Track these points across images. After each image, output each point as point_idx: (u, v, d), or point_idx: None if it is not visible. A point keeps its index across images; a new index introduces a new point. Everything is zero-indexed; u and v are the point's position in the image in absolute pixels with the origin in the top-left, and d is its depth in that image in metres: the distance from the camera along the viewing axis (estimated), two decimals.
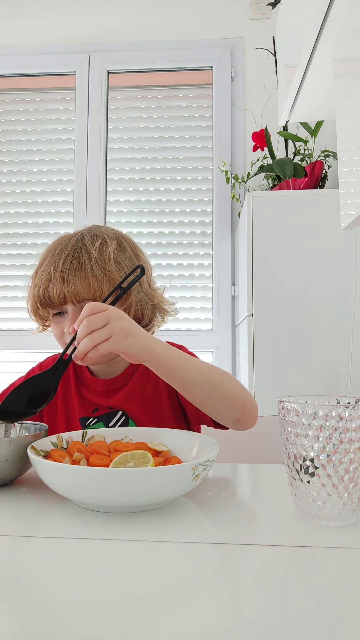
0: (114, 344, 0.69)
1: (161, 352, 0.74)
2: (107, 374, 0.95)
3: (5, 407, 0.70)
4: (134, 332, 0.71)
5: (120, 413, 0.92)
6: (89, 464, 0.67)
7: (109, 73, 2.49)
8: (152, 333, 0.98)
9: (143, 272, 0.72)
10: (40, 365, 1.00)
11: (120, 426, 0.91)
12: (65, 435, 0.74)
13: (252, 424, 0.82)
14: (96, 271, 0.85)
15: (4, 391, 0.96)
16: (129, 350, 0.71)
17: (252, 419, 0.81)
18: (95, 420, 0.92)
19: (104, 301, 0.72)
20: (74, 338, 0.70)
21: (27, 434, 0.77)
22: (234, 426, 0.82)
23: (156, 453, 0.72)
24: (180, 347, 0.99)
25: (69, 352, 0.71)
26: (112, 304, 0.73)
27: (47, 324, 0.94)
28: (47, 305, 0.88)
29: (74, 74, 2.49)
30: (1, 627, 0.36)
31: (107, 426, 0.91)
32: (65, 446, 0.73)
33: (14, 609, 0.39)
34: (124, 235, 0.96)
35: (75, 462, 0.68)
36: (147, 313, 0.93)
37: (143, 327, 0.94)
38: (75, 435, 0.75)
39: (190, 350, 1.02)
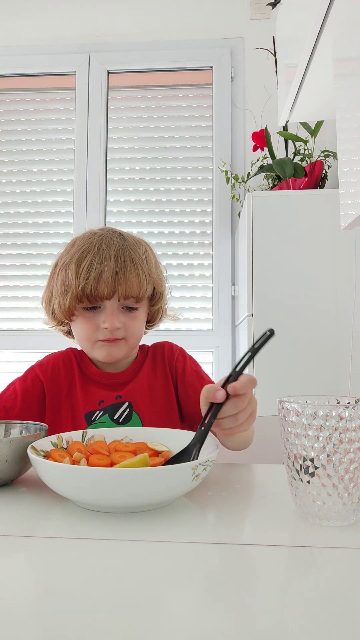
0: (249, 424, 0.68)
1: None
2: (114, 368, 0.98)
3: None
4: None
5: (126, 404, 0.94)
6: (89, 464, 0.67)
7: (109, 73, 2.49)
8: (147, 333, 1.05)
9: (273, 334, 0.66)
10: (40, 364, 0.99)
11: (124, 418, 0.92)
12: (65, 435, 0.74)
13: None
14: (145, 271, 0.92)
15: (3, 391, 0.96)
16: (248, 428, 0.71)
17: (249, 445, 0.88)
18: (102, 413, 0.93)
19: (240, 365, 0.66)
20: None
21: (27, 434, 0.77)
22: (240, 450, 0.88)
23: (156, 453, 0.72)
24: (170, 344, 1.03)
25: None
26: (244, 365, 0.68)
27: (66, 321, 0.95)
28: (89, 300, 0.89)
29: (74, 74, 2.49)
30: (1, 627, 0.36)
31: (112, 418, 0.92)
32: (65, 446, 0.73)
33: (14, 609, 0.39)
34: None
35: (75, 462, 0.68)
36: (159, 317, 1.02)
37: (150, 327, 1.04)
38: (75, 435, 0.75)
39: (190, 350, 1.05)
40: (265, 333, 0.65)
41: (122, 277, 0.88)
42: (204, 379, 0.98)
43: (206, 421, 0.65)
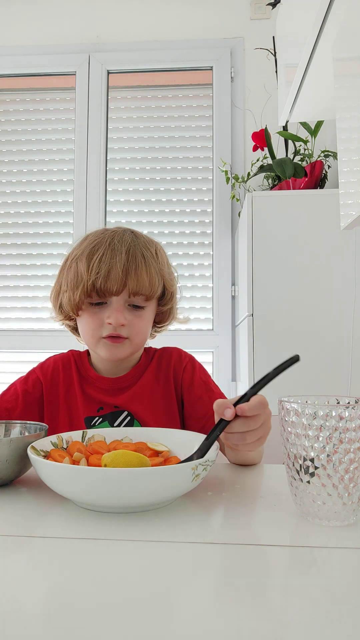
0: (256, 446, 0.67)
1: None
2: (113, 373, 0.96)
3: None
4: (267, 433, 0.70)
5: (125, 413, 0.92)
6: (89, 464, 0.67)
7: (109, 73, 2.49)
8: (154, 337, 1.04)
9: (298, 360, 0.65)
10: (41, 366, 0.99)
11: (125, 426, 0.91)
12: (65, 435, 0.74)
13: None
14: (158, 270, 0.91)
15: (5, 392, 0.96)
16: (257, 448, 0.70)
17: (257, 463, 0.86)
18: (101, 419, 0.92)
19: (257, 385, 0.65)
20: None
21: (27, 434, 0.77)
22: (249, 464, 0.84)
23: (156, 453, 0.72)
24: (178, 351, 1.00)
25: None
26: (261, 385, 0.67)
27: (73, 316, 0.94)
28: (98, 294, 0.88)
29: (74, 74, 2.49)
30: (1, 627, 0.36)
31: (112, 426, 0.91)
32: (65, 446, 0.73)
33: (14, 609, 0.39)
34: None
35: (75, 462, 0.68)
36: (168, 318, 1.01)
37: (159, 329, 1.02)
38: (75, 435, 0.75)
39: (189, 350, 1.03)
40: (292, 357, 0.64)
41: (132, 273, 0.87)
42: (213, 392, 0.94)
43: (212, 434, 0.64)
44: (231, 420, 0.63)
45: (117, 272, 0.86)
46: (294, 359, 0.64)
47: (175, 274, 1.00)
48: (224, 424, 0.63)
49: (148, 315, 0.93)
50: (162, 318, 0.99)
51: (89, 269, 0.87)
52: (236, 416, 0.63)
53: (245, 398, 0.64)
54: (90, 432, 0.76)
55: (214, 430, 0.64)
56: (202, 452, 0.63)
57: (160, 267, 0.92)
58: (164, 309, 0.97)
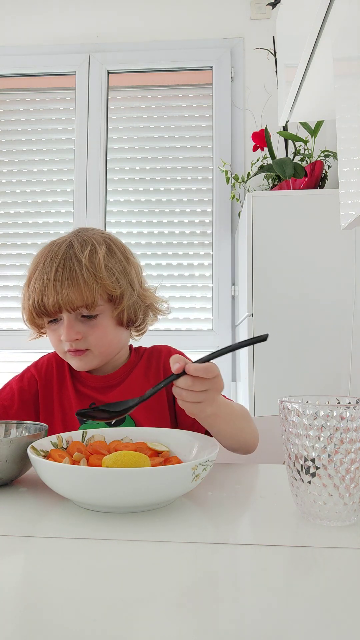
0: (197, 408, 0.70)
1: (214, 417, 0.76)
2: (102, 371, 0.97)
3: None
4: (217, 403, 0.73)
5: None
6: (89, 464, 0.67)
7: (109, 73, 2.49)
8: (145, 332, 1.01)
9: (265, 339, 0.69)
10: (36, 364, 1.00)
11: (117, 421, 0.91)
12: (65, 435, 0.74)
13: (252, 452, 0.88)
14: (88, 279, 0.86)
15: (0, 390, 0.97)
16: (200, 416, 0.73)
17: (253, 449, 0.87)
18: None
19: (221, 350, 0.70)
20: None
21: (27, 434, 0.77)
22: (242, 454, 0.87)
23: (156, 453, 0.72)
24: (181, 351, 0.99)
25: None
26: (219, 354, 0.71)
27: (43, 331, 0.95)
28: (43, 314, 0.88)
29: (74, 74, 2.49)
30: (1, 627, 0.36)
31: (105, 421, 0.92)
32: (65, 446, 0.72)
33: (14, 609, 0.39)
34: (112, 238, 0.96)
35: (75, 462, 0.68)
36: (140, 314, 0.95)
37: (136, 327, 0.98)
38: (75, 435, 0.75)
39: (190, 350, 1.03)
40: (261, 335, 0.69)
41: (60, 289, 0.85)
42: None
43: (158, 384, 0.69)
44: (178, 375, 0.67)
45: (50, 291, 0.85)
46: (262, 338, 0.69)
47: (141, 264, 0.97)
48: (171, 377, 0.68)
49: (104, 322, 0.90)
50: (129, 318, 0.93)
51: (28, 291, 0.89)
52: (185, 373, 0.67)
53: (199, 361, 0.69)
54: (90, 432, 0.76)
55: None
56: (142, 398, 0.70)
57: (96, 271, 0.87)
58: (117, 311, 0.91)
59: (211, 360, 0.70)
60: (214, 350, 0.70)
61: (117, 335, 0.93)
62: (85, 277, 0.86)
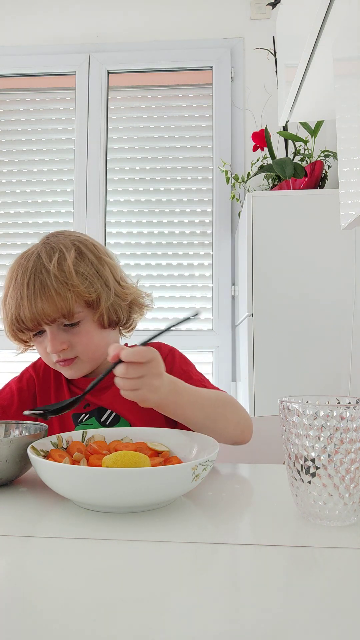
0: (137, 396, 0.69)
1: (172, 404, 0.75)
2: (95, 373, 0.95)
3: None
4: (160, 389, 0.71)
5: (109, 410, 0.93)
6: (89, 464, 0.67)
7: (109, 73, 2.49)
8: (134, 328, 0.99)
9: (197, 316, 0.71)
10: (34, 365, 1.00)
11: (111, 422, 0.92)
12: (65, 435, 0.74)
13: (248, 441, 0.86)
14: (59, 289, 0.84)
15: (0, 391, 0.97)
16: (148, 403, 0.72)
17: (248, 438, 0.85)
18: (87, 415, 0.93)
19: (156, 334, 0.70)
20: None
21: (27, 434, 0.77)
22: (230, 444, 0.86)
23: (156, 453, 0.72)
24: (159, 344, 0.98)
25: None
26: (153, 337, 0.71)
27: (29, 345, 0.94)
28: (24, 329, 0.88)
29: (74, 74, 2.49)
30: (1, 627, 0.36)
31: (99, 421, 0.92)
32: (65, 446, 0.72)
33: (14, 609, 0.39)
34: (82, 239, 0.92)
35: (75, 462, 0.68)
36: (122, 314, 0.93)
37: (122, 326, 0.96)
38: (75, 435, 0.75)
39: (190, 350, 1.03)
40: (194, 314, 0.71)
41: (35, 303, 0.84)
42: (192, 379, 0.91)
43: (100, 375, 0.70)
44: (116, 364, 0.67)
45: (25, 307, 0.85)
46: (194, 315, 0.71)
47: (119, 266, 0.95)
48: (111, 367, 0.67)
49: (87, 328, 0.88)
50: (111, 319, 0.91)
51: (5, 310, 0.89)
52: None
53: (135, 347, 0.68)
54: (90, 432, 0.76)
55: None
56: (85, 391, 0.72)
57: (67, 279, 0.84)
58: (97, 314, 0.89)
59: (147, 344, 0.69)
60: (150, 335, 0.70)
61: (103, 338, 0.91)
62: (56, 287, 0.83)
